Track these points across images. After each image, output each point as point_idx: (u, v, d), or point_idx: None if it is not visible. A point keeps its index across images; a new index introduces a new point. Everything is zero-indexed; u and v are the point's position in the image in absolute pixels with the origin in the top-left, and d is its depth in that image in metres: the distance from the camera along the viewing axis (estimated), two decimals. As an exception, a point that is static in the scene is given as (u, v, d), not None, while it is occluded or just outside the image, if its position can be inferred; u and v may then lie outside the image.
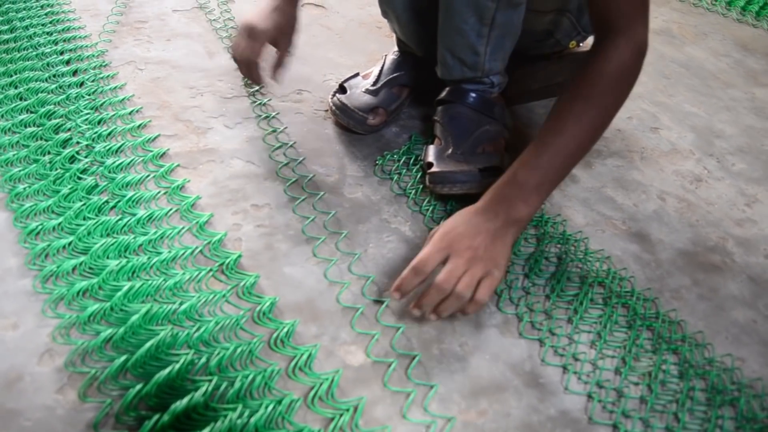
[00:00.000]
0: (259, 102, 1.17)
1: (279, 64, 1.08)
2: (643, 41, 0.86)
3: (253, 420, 0.66)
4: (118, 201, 0.91)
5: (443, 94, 1.08)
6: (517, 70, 1.18)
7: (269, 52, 1.05)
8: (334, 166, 1.06)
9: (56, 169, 0.95)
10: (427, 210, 0.99)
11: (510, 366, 0.78)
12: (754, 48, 1.72)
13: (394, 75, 1.16)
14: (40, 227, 0.85)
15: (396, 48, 1.21)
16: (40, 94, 1.09)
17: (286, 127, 1.11)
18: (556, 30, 1.12)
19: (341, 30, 1.50)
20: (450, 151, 1.00)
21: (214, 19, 1.44)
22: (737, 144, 1.28)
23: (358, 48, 1.43)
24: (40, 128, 1.02)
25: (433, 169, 0.98)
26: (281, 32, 1.05)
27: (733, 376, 0.81)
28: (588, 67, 0.86)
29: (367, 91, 1.13)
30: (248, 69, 1.05)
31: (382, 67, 1.18)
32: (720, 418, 0.76)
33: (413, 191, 1.02)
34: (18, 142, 0.99)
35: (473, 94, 1.06)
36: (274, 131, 1.10)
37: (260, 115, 1.14)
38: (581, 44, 1.22)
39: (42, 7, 1.37)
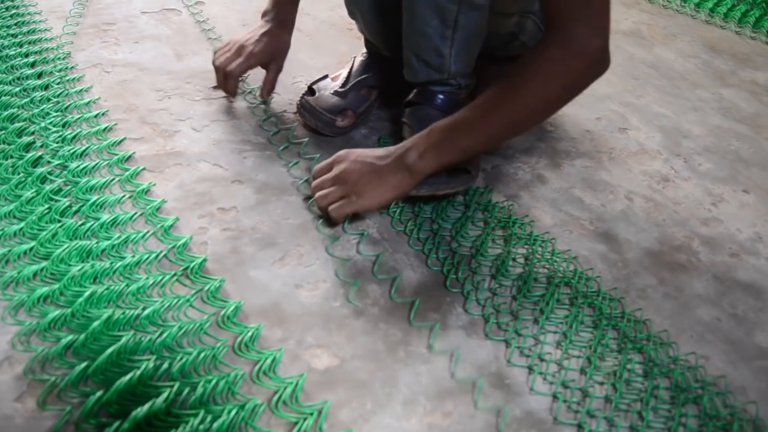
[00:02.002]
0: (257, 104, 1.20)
1: (270, 86, 1.17)
2: (586, 43, 0.84)
3: (215, 425, 0.65)
4: (82, 205, 0.90)
5: (411, 96, 1.08)
6: (486, 72, 1.19)
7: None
8: (302, 168, 1.05)
9: (19, 174, 0.94)
10: (395, 212, 0.98)
11: (476, 367, 0.78)
12: (722, 49, 1.74)
13: (363, 77, 1.15)
14: (0, 233, 0.84)
15: (365, 50, 1.21)
16: (3, 97, 1.08)
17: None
18: (521, 32, 1.12)
19: (311, 32, 1.50)
20: (417, 153, 1.00)
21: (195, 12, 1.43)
22: (704, 144, 1.30)
23: (329, 49, 1.43)
24: (3, 132, 1.00)
25: (400, 171, 0.98)
26: (272, 57, 1.15)
27: (697, 374, 0.82)
28: (521, 59, 0.88)
29: (336, 93, 1.13)
30: (225, 80, 1.14)
31: (351, 69, 1.18)
32: (684, 416, 0.76)
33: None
34: (-21, 146, 0.98)
35: (441, 96, 1.06)
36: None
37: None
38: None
39: (7, 8, 1.35)
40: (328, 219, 0.94)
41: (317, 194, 0.92)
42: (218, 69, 1.14)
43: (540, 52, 0.86)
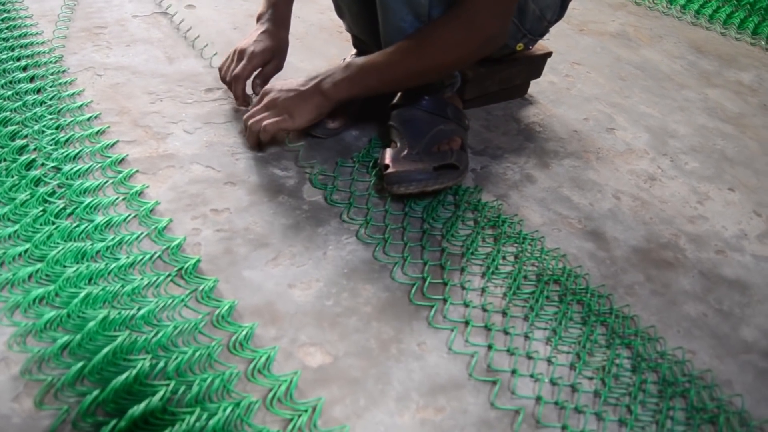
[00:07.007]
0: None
1: (264, 79, 1.18)
2: (484, 25, 0.96)
3: (211, 423, 0.66)
4: (76, 207, 0.91)
5: (396, 98, 1.10)
6: (475, 73, 1.20)
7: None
8: (294, 169, 1.06)
9: (12, 176, 0.94)
10: (385, 211, 1.00)
11: (467, 363, 0.79)
12: (707, 50, 1.77)
13: (353, 78, 1.17)
14: (-5, 235, 0.85)
15: (354, 51, 1.22)
16: (-5, 102, 1.08)
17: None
18: None
19: (302, 34, 1.51)
20: (405, 152, 1.01)
21: (177, 16, 1.44)
22: (690, 143, 1.32)
23: (319, 52, 1.44)
24: (-4, 135, 1.01)
25: (389, 170, 0.99)
26: (273, 55, 1.17)
27: (684, 368, 0.83)
28: (432, 21, 0.98)
29: (326, 95, 1.14)
30: (235, 86, 1.14)
31: (341, 71, 1.19)
32: (671, 409, 0.78)
33: (372, 193, 1.03)
34: (-27, 149, 0.98)
35: (426, 96, 1.07)
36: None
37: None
38: (530, 47, 1.24)
39: (-2, 13, 1.36)
40: (260, 144, 1.08)
41: (250, 121, 1.05)
42: (225, 79, 1.18)
43: (446, 22, 0.96)
